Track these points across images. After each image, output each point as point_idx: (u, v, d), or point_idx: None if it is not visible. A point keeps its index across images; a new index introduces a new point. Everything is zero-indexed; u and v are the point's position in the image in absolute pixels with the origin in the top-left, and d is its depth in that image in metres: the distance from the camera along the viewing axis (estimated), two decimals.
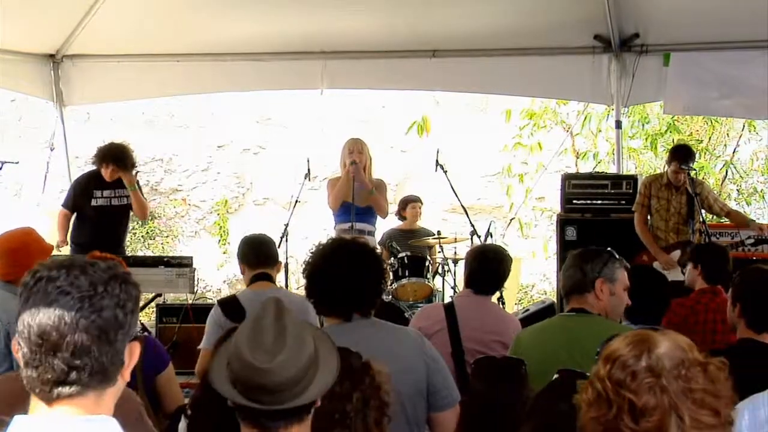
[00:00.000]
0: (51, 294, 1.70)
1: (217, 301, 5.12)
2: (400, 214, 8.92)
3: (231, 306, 4.74)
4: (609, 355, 1.96)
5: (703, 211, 7.30)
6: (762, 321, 3.54)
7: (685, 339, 1.98)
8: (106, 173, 7.36)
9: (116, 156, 7.35)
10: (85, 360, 1.70)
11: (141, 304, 9.18)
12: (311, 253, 3.41)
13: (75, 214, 7.50)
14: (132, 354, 1.79)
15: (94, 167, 7.45)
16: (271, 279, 4.87)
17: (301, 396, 2.12)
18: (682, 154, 7.35)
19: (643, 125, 10.40)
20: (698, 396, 1.89)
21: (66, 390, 1.69)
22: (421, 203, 9.01)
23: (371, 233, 7.20)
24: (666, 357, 1.91)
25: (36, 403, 1.72)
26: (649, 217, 7.37)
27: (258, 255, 4.91)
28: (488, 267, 4.85)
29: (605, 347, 2.01)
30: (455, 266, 7.86)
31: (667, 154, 7.68)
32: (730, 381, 1.94)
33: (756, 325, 3.55)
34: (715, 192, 8.53)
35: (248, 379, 2.10)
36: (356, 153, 7.11)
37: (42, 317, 1.68)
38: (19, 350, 1.71)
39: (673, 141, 10.58)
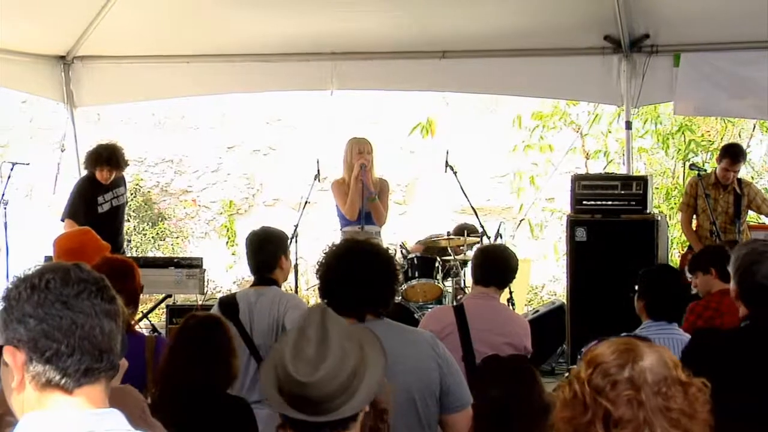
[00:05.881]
0: (72, 287, 1.74)
1: (219, 298, 5.18)
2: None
3: (227, 303, 4.78)
4: (592, 359, 1.94)
5: (713, 212, 7.31)
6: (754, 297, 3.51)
7: (670, 355, 1.97)
8: (102, 176, 7.42)
9: (111, 158, 7.41)
10: (110, 345, 1.76)
11: (151, 305, 9.22)
12: (324, 253, 3.41)
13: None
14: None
15: (86, 171, 7.52)
16: (272, 282, 4.84)
17: (344, 407, 2.12)
18: (733, 152, 7.39)
19: (655, 125, 10.37)
20: (674, 415, 1.88)
21: (89, 380, 1.74)
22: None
23: (378, 233, 7.19)
24: (649, 371, 1.90)
25: (48, 398, 1.74)
26: (695, 217, 7.42)
27: (256, 262, 4.88)
28: (494, 260, 4.91)
29: (590, 349, 2.00)
30: (465, 267, 7.85)
31: (717, 152, 7.72)
32: (709, 404, 1.94)
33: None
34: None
35: (291, 390, 2.11)
36: (365, 154, 7.09)
37: (74, 306, 1.73)
38: (39, 349, 1.72)
39: (684, 141, 10.56)
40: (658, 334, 4.19)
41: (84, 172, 7.84)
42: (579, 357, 2.08)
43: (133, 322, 4.34)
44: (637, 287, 4.47)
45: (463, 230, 8.48)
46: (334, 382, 2.10)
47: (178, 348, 3.68)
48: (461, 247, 8.14)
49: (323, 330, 2.14)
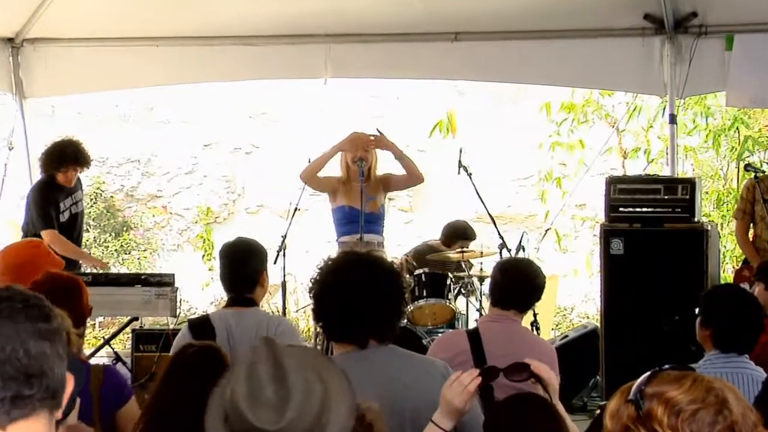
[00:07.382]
0: None
1: (188, 320, 5.16)
2: (446, 244, 8.49)
3: (201, 327, 4.73)
4: (669, 401, 1.99)
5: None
6: None
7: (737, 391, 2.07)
8: (68, 177, 7.43)
9: (78, 155, 7.42)
10: (42, 369, 1.75)
11: (115, 329, 9.17)
12: (319, 269, 3.42)
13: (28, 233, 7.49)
14: (68, 382, 1.83)
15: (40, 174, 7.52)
16: (249, 302, 4.84)
17: None
18: None
19: (705, 119, 10.37)
20: None
21: (22, 411, 1.73)
22: (473, 239, 8.62)
23: (380, 244, 7.20)
24: (740, 413, 1.99)
25: None
26: (751, 226, 7.39)
27: (232, 280, 4.88)
28: (516, 278, 4.83)
29: (644, 386, 2.03)
30: (481, 285, 7.84)
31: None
32: None
33: None
34: None
35: None
36: (361, 151, 7.15)
37: None
38: None
39: (739, 137, 10.55)
40: (726, 368, 4.13)
41: (36, 174, 7.83)
42: (637, 396, 2.04)
43: (77, 350, 4.28)
44: (699, 311, 4.40)
45: (455, 233, 8.36)
46: (303, 423, 2.08)
47: (172, 387, 3.59)
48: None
49: (276, 364, 2.10)
